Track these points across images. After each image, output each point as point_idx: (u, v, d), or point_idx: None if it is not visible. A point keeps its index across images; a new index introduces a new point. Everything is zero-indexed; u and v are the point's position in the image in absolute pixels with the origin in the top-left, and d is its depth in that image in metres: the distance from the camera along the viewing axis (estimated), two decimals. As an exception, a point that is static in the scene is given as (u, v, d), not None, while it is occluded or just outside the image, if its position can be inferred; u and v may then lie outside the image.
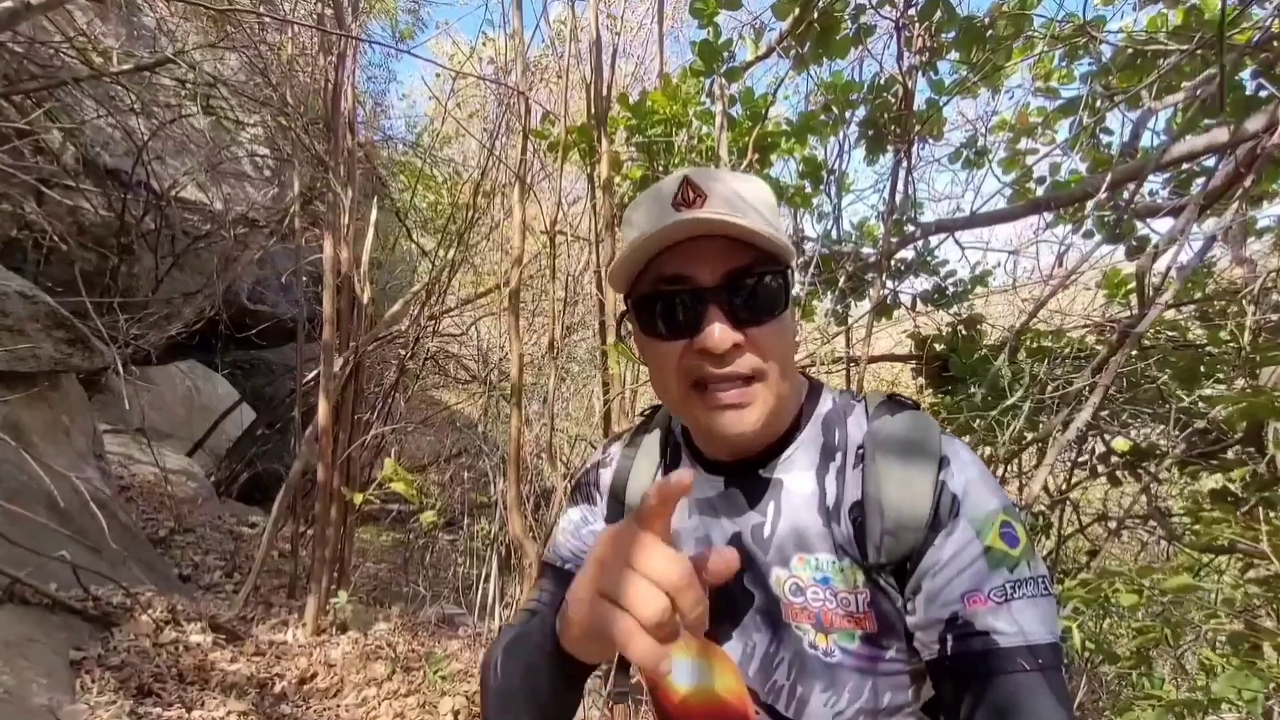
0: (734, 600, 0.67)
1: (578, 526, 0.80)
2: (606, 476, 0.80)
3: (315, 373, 3.72)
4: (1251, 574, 2.12)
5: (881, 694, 0.61)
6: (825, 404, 0.71)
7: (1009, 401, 1.83)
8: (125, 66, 3.66)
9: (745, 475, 0.69)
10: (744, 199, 0.61)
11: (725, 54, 2.75)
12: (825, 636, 0.62)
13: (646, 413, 0.85)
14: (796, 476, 0.66)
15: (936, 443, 0.62)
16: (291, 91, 4.15)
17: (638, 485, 0.76)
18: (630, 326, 0.72)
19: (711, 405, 0.61)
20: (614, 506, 0.78)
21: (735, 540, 0.68)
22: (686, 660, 0.64)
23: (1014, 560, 0.57)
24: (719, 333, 0.59)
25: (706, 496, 0.71)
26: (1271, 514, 1.74)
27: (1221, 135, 1.83)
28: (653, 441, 0.78)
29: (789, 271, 0.63)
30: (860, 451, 0.64)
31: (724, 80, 2.74)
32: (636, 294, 0.65)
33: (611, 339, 2.79)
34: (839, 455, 0.66)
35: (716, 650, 0.63)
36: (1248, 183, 1.66)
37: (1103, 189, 1.88)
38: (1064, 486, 2.54)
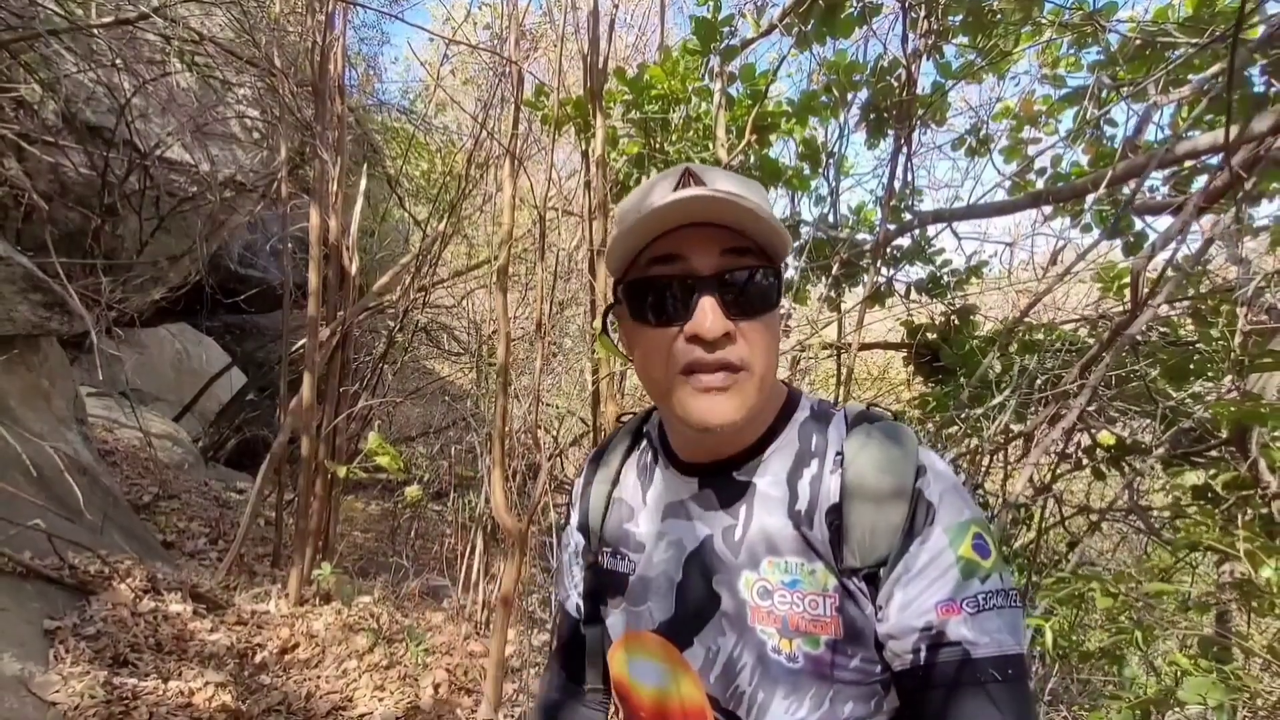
0: (701, 604, 0.68)
1: (569, 559, 0.86)
2: (578, 486, 0.85)
3: (302, 342, 3.67)
4: (1226, 567, 2.15)
5: (843, 704, 0.62)
6: (803, 411, 0.71)
7: (997, 400, 1.82)
8: (106, 19, 3.52)
9: (720, 477, 0.69)
10: (744, 193, 0.61)
11: (726, 29, 2.67)
12: (789, 641, 0.62)
13: (624, 421, 0.86)
14: (770, 481, 0.67)
15: (914, 452, 0.63)
16: (280, 52, 4.02)
17: (597, 505, 0.80)
18: (616, 322, 0.73)
19: (696, 389, 0.62)
20: (581, 519, 0.82)
21: (706, 543, 0.68)
22: (651, 663, 0.67)
23: (986, 571, 0.58)
24: (712, 319, 0.60)
25: (680, 499, 0.72)
26: (1248, 516, 1.75)
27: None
28: (613, 460, 0.81)
29: (782, 274, 0.64)
30: (839, 457, 0.65)
31: (721, 59, 2.67)
32: (630, 278, 0.65)
33: (599, 325, 2.76)
34: (814, 461, 0.66)
35: (679, 658, 0.68)
36: (1248, 185, 1.63)
37: (1104, 185, 1.84)
38: (1048, 478, 2.55)
